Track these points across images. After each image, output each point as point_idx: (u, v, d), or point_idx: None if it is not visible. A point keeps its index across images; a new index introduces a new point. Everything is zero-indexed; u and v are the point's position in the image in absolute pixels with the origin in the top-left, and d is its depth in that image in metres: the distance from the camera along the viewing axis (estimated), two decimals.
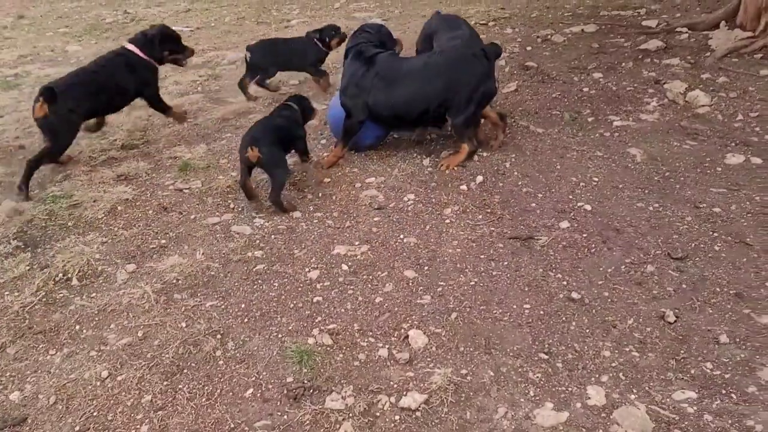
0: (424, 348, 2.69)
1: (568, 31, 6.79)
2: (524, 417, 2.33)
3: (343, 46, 4.70)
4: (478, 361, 2.61)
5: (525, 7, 8.22)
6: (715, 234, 3.29)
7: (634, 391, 2.41)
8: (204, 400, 2.51)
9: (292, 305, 3.01)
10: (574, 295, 2.94)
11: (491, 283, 3.07)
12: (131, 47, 4.79)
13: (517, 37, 6.84)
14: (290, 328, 2.86)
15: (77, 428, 2.42)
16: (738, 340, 2.61)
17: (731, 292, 2.88)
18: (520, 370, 2.55)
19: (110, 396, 2.55)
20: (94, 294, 3.18)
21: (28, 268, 3.40)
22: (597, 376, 2.49)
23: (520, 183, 3.94)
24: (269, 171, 3.81)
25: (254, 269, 3.29)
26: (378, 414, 2.39)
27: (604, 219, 3.51)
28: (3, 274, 3.36)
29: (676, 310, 2.79)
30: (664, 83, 5.11)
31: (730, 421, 2.24)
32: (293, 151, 4.21)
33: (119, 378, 2.63)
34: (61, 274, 3.31)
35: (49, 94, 4.21)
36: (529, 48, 6.45)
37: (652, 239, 3.30)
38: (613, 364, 2.54)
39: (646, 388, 2.42)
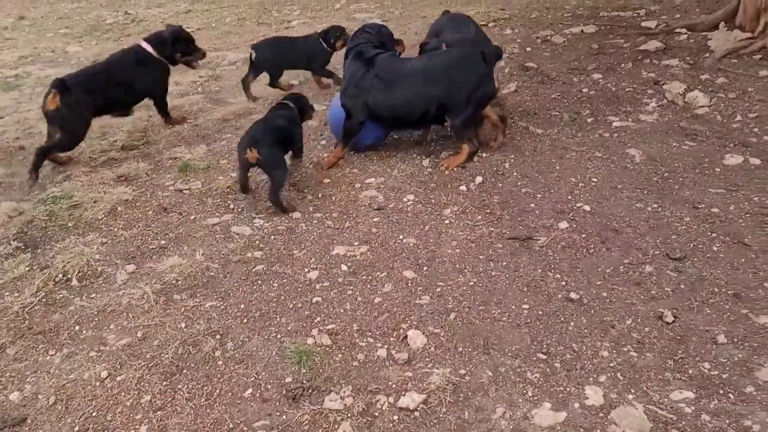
0: (422, 348, 2.70)
1: (568, 32, 6.80)
2: (522, 417, 2.34)
3: None
4: (476, 361, 2.61)
5: (525, 8, 8.23)
6: (714, 234, 3.30)
7: (632, 391, 2.41)
8: (203, 400, 2.51)
9: (291, 305, 3.02)
10: (573, 295, 2.95)
11: (490, 284, 3.08)
12: (145, 45, 4.87)
13: (516, 37, 6.84)
14: (289, 328, 2.87)
15: (76, 428, 2.42)
16: (736, 340, 2.62)
17: (729, 292, 2.89)
18: (518, 370, 2.55)
19: (109, 396, 2.56)
20: (93, 294, 3.19)
21: (28, 268, 3.40)
22: (595, 376, 2.50)
23: (519, 183, 3.95)
24: (268, 171, 3.82)
25: (254, 270, 3.29)
26: (376, 414, 2.39)
27: (602, 219, 3.51)
28: (3, 274, 3.37)
29: (675, 311, 2.79)
30: (664, 84, 5.11)
31: (727, 421, 2.25)
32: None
33: (119, 378, 2.64)
34: (60, 275, 3.31)
35: (61, 86, 4.29)
36: (528, 49, 6.46)
37: (651, 239, 3.30)
38: (611, 364, 2.55)
39: (644, 388, 2.42)
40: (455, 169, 4.14)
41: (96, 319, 3.01)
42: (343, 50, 4.71)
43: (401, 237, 3.49)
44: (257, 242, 3.53)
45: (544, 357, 2.61)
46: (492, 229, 3.51)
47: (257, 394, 2.53)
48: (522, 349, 2.66)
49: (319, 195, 3.99)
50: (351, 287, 3.12)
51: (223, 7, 10.42)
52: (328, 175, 4.23)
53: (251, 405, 2.48)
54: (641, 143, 4.32)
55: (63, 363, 2.76)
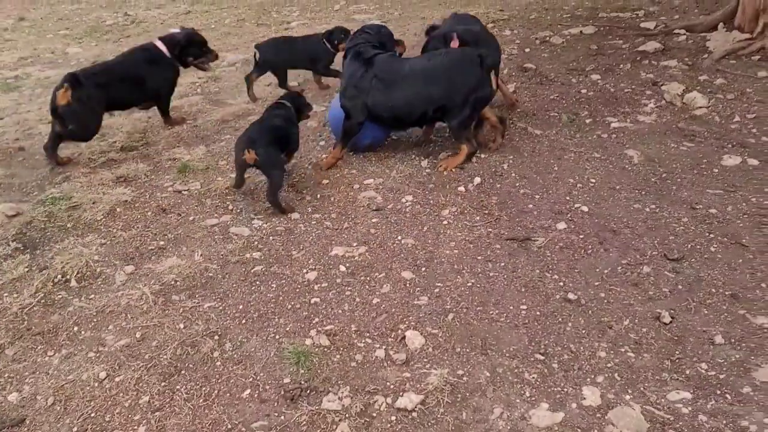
0: (420, 349, 2.70)
1: (567, 33, 6.81)
2: (520, 417, 2.34)
3: None
4: (474, 361, 2.62)
5: (524, 9, 8.24)
6: (711, 235, 3.30)
7: (629, 391, 2.42)
8: (201, 400, 2.52)
9: (289, 306, 3.02)
10: (571, 296, 2.95)
11: (488, 284, 3.08)
12: (159, 44, 4.94)
13: (515, 38, 6.85)
14: (288, 329, 2.88)
15: (75, 429, 2.43)
16: (733, 340, 2.62)
17: (727, 293, 2.89)
18: (516, 370, 2.56)
19: (108, 397, 2.56)
20: (92, 295, 3.20)
21: (27, 269, 3.41)
22: (592, 376, 2.50)
23: (517, 184, 3.96)
24: (266, 172, 3.83)
25: (252, 270, 3.30)
26: (374, 415, 2.40)
27: (600, 220, 3.52)
28: (2, 275, 3.37)
29: (672, 311, 2.80)
30: (662, 85, 5.12)
31: (724, 422, 2.25)
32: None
33: (117, 379, 2.65)
34: (59, 276, 3.32)
35: (73, 80, 4.38)
36: (527, 50, 6.47)
37: (649, 240, 3.31)
38: (609, 365, 2.55)
39: (641, 388, 2.43)
40: (454, 169, 4.15)
41: (95, 320, 3.02)
42: None
43: (400, 238, 3.49)
44: (256, 243, 3.54)
45: (542, 357, 2.61)
46: (490, 229, 3.51)
47: (255, 395, 2.53)
48: (520, 349, 2.66)
49: (318, 196, 4.00)
50: (349, 288, 3.12)
51: (222, 9, 10.43)
52: (327, 176, 4.24)
53: (249, 405, 2.48)
54: (639, 144, 4.33)
55: (62, 364, 2.76)
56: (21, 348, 2.87)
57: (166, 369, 2.68)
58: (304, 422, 2.38)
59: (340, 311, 2.97)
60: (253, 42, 7.39)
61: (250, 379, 2.60)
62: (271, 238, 3.58)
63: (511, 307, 2.91)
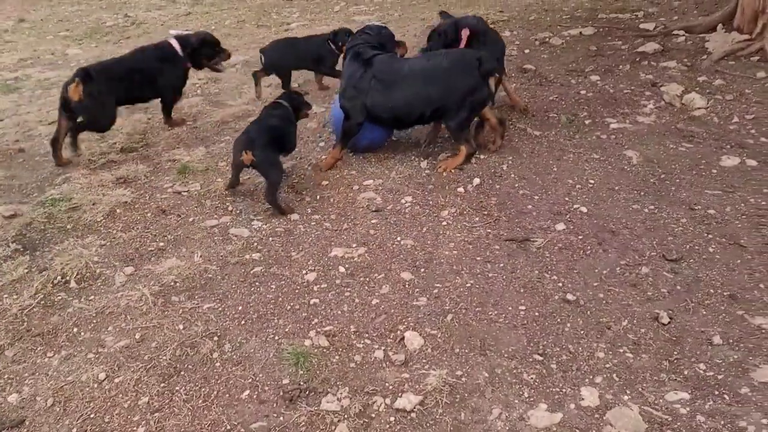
0: (419, 349, 2.71)
1: (566, 34, 6.82)
2: (518, 418, 2.35)
3: None
4: (473, 362, 2.62)
5: (523, 10, 8.25)
6: (710, 236, 3.31)
7: (628, 392, 2.42)
8: (200, 401, 2.52)
9: (289, 307, 3.03)
10: (569, 296, 2.96)
11: (487, 285, 3.09)
12: (174, 42, 4.98)
13: (515, 40, 6.86)
14: (287, 330, 2.88)
15: (74, 430, 2.43)
16: (731, 341, 2.63)
17: (725, 293, 2.90)
18: (514, 371, 2.56)
19: (107, 398, 2.56)
20: (92, 297, 3.20)
21: (26, 270, 3.41)
22: (591, 377, 2.51)
23: (516, 185, 3.96)
24: (264, 173, 3.85)
25: (252, 271, 3.30)
26: (373, 415, 2.40)
27: (599, 221, 3.53)
28: (2, 277, 3.38)
29: (670, 312, 2.81)
30: (661, 86, 5.13)
31: (722, 422, 2.26)
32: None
33: (116, 380, 2.65)
34: (59, 277, 3.32)
35: (84, 75, 4.44)
36: (527, 51, 6.48)
37: (647, 241, 3.31)
38: (607, 365, 2.56)
39: (640, 389, 2.43)
40: (453, 170, 4.15)
41: (94, 321, 3.02)
42: None
43: (399, 239, 3.50)
44: (255, 244, 3.54)
45: (541, 358, 2.62)
46: (489, 230, 3.52)
47: (254, 396, 2.54)
48: (518, 350, 2.67)
49: (318, 197, 4.01)
50: (348, 289, 3.13)
51: (222, 10, 10.43)
52: (327, 177, 4.25)
53: (248, 406, 2.49)
54: (638, 145, 4.34)
55: (61, 365, 2.77)
56: (21, 349, 2.88)
57: (166, 370, 2.69)
58: (303, 423, 2.39)
59: (339, 312, 2.97)
60: (253, 43, 7.44)
61: (249, 380, 2.61)
62: (270, 239, 3.59)
63: (510, 308, 2.92)
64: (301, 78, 6.22)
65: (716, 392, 2.39)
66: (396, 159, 4.43)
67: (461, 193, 3.91)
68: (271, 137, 3.90)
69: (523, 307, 2.91)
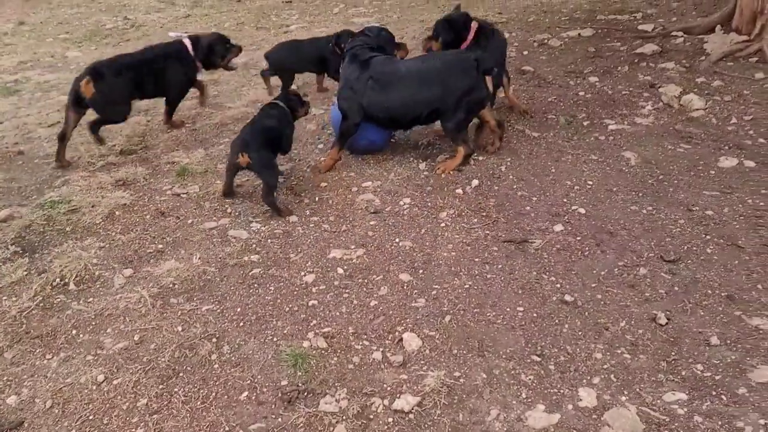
0: (417, 351, 2.71)
1: (565, 36, 6.83)
2: (516, 419, 2.35)
3: None
4: (471, 363, 2.63)
5: (522, 11, 8.26)
6: (708, 237, 3.32)
7: (625, 392, 2.43)
8: (199, 403, 2.53)
9: (287, 309, 3.03)
10: (567, 297, 2.97)
11: (485, 286, 3.09)
12: (186, 42, 5.08)
13: (514, 41, 6.87)
14: (285, 331, 2.89)
15: None
16: (729, 341, 2.63)
17: (723, 294, 2.91)
18: (512, 372, 2.57)
19: (106, 400, 2.57)
20: (91, 299, 3.21)
21: (25, 273, 3.42)
22: (589, 377, 2.51)
23: (515, 187, 3.97)
24: (259, 174, 3.87)
25: (250, 273, 3.31)
26: (371, 417, 2.41)
27: (597, 222, 3.53)
28: (1, 279, 3.38)
29: (668, 312, 2.81)
30: (660, 87, 5.14)
31: (720, 423, 2.26)
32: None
33: (115, 382, 2.65)
34: (58, 279, 3.33)
35: (94, 73, 4.58)
36: (525, 52, 6.49)
37: (645, 242, 3.32)
38: (605, 366, 2.56)
39: (637, 389, 2.44)
40: (452, 172, 4.16)
41: (93, 323, 3.03)
42: None
43: (397, 240, 3.51)
44: (254, 246, 3.55)
45: (538, 359, 2.62)
46: (488, 232, 3.52)
47: (253, 397, 2.54)
48: (516, 351, 2.67)
49: (316, 199, 4.01)
50: (347, 290, 3.14)
51: (221, 12, 10.45)
52: (325, 178, 4.25)
53: (247, 408, 2.49)
54: (637, 146, 4.34)
55: (60, 367, 2.77)
56: (19, 351, 2.88)
57: (164, 372, 2.69)
58: (302, 424, 2.39)
59: (337, 313, 2.98)
60: (252, 45, 7.45)
61: (248, 382, 2.61)
62: (269, 240, 3.59)
63: (508, 309, 2.92)
64: (300, 80, 6.22)
65: (714, 393, 2.39)
66: (395, 161, 4.44)
67: (460, 195, 3.92)
68: (267, 138, 3.91)
69: (521, 308, 2.92)
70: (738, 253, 3.17)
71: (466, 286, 3.10)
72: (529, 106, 5.12)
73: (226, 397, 2.55)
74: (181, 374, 2.68)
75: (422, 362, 2.65)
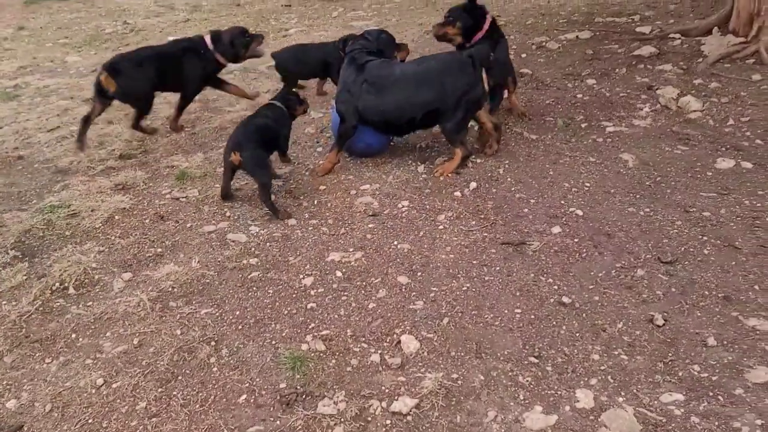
0: (415, 353, 2.72)
1: (563, 38, 6.85)
2: (514, 420, 2.36)
3: None
4: (469, 365, 2.64)
5: (520, 14, 8.29)
6: (705, 238, 3.33)
7: (623, 393, 2.43)
8: (198, 406, 2.54)
9: (286, 312, 3.04)
10: (565, 299, 2.97)
11: (483, 288, 3.10)
12: (207, 39, 5.22)
13: (512, 44, 6.86)
14: (284, 334, 2.89)
15: None
16: (726, 342, 2.64)
17: (720, 295, 2.91)
18: (510, 374, 2.58)
19: (105, 403, 2.58)
20: (90, 303, 3.22)
21: (25, 277, 3.43)
22: (586, 379, 2.52)
23: (513, 189, 3.98)
24: (252, 173, 3.92)
25: (249, 276, 3.32)
26: (369, 419, 2.42)
27: (595, 224, 3.54)
28: (1, 283, 3.39)
29: (665, 314, 2.82)
30: (657, 89, 5.16)
31: (716, 423, 2.27)
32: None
33: (114, 385, 2.66)
34: (58, 284, 3.34)
35: (111, 68, 4.80)
36: (524, 55, 6.51)
37: (643, 243, 3.33)
38: (602, 367, 2.57)
39: (634, 390, 2.44)
40: (450, 175, 4.17)
41: (92, 327, 3.04)
42: None
43: (396, 243, 3.52)
44: (253, 249, 3.56)
45: (536, 361, 2.63)
46: (486, 234, 3.54)
47: (251, 400, 2.55)
48: (514, 353, 2.68)
49: (315, 202, 4.03)
50: (345, 293, 3.15)
51: (221, 16, 10.47)
52: (324, 181, 4.27)
53: (245, 411, 2.50)
54: (634, 148, 4.35)
55: (59, 371, 2.78)
56: (19, 355, 2.89)
57: (163, 375, 2.70)
58: (300, 427, 2.40)
59: (336, 316, 2.99)
60: None
61: (247, 385, 2.62)
62: (268, 244, 3.60)
63: (506, 311, 2.93)
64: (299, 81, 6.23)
65: (710, 393, 2.40)
66: (393, 164, 4.45)
67: (458, 197, 3.93)
68: (260, 138, 3.94)
69: (519, 310, 2.93)
70: (735, 254, 3.18)
71: (464, 288, 3.11)
72: (527, 108, 5.14)
73: (224, 400, 2.56)
74: (179, 377, 2.69)
75: (420, 364, 2.66)
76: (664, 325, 2.76)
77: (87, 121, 4.98)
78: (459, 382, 2.55)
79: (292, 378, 2.63)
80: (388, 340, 2.81)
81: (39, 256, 3.63)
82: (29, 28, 10.74)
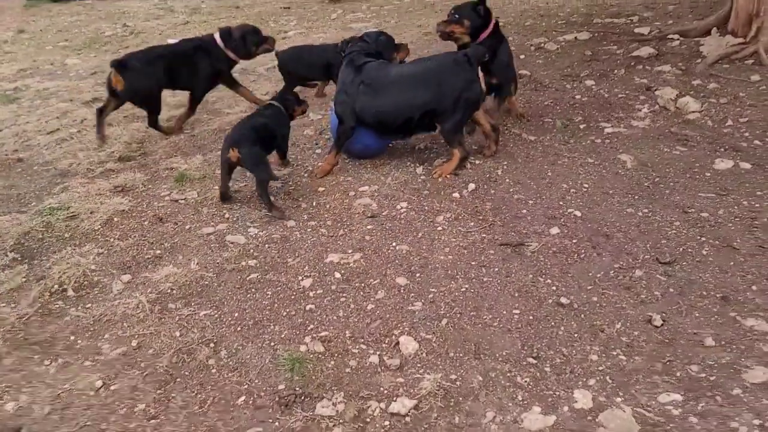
0: (414, 354, 2.72)
1: (562, 39, 6.86)
2: (512, 421, 2.36)
3: None
4: (467, 366, 2.64)
5: (519, 15, 8.29)
6: (703, 238, 3.33)
7: (621, 394, 2.44)
8: (197, 408, 2.54)
9: (284, 313, 3.05)
10: (563, 300, 2.98)
11: (482, 289, 3.10)
12: (217, 37, 5.29)
13: (511, 45, 6.81)
14: (283, 336, 2.90)
15: None
16: (724, 342, 2.64)
17: (718, 295, 2.91)
18: (508, 374, 2.58)
19: (104, 405, 2.58)
20: (89, 305, 3.22)
21: (24, 279, 3.44)
22: (584, 379, 2.52)
23: (511, 190, 3.98)
24: (250, 169, 3.95)
25: (248, 278, 3.32)
26: (368, 420, 2.42)
27: (593, 225, 3.55)
28: (0, 286, 3.40)
29: (663, 314, 2.82)
30: (656, 90, 5.16)
31: (715, 423, 2.27)
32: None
33: (113, 387, 2.67)
34: (57, 286, 3.35)
35: (118, 66, 4.86)
36: (522, 56, 6.51)
37: (641, 244, 3.33)
38: (601, 368, 2.57)
39: (633, 391, 2.45)
40: (448, 176, 4.18)
41: (91, 329, 3.04)
42: None
43: (394, 244, 3.52)
44: (252, 251, 3.56)
45: (534, 361, 2.63)
46: (484, 235, 3.54)
47: (250, 402, 2.55)
48: (512, 353, 2.69)
49: (314, 203, 4.03)
50: (344, 294, 3.15)
51: (220, 19, 10.49)
52: (323, 183, 4.27)
53: (244, 412, 2.50)
54: (633, 149, 4.36)
55: (58, 373, 2.78)
56: (18, 358, 2.90)
57: (162, 377, 2.71)
58: (299, 428, 2.40)
59: (334, 318, 2.99)
60: None
61: (245, 386, 2.62)
62: (266, 245, 3.61)
63: (505, 312, 2.93)
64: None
65: (708, 394, 2.40)
66: (392, 165, 4.45)
67: (456, 199, 3.93)
68: (258, 136, 3.96)
69: (518, 311, 2.93)
70: (733, 255, 3.18)
71: (463, 289, 3.11)
72: (525, 109, 5.14)
73: (223, 401, 2.56)
74: (178, 379, 2.69)
75: (419, 365, 2.66)
76: (662, 325, 2.76)
77: (101, 112, 5.10)
78: (457, 383, 2.55)
79: (291, 379, 2.63)
80: (386, 341, 2.81)
81: (38, 258, 3.64)
82: (29, 31, 10.77)
